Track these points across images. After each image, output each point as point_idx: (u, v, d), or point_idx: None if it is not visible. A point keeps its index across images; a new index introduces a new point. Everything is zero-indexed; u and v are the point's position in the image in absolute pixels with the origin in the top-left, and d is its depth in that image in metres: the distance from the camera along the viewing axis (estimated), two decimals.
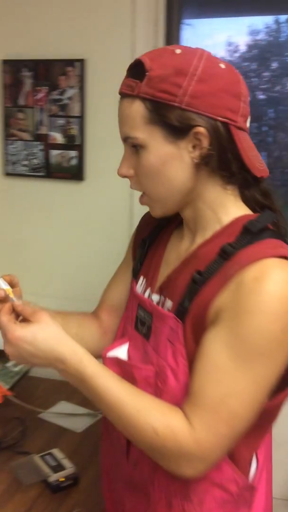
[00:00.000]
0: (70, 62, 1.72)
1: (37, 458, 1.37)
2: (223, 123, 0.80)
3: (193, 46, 0.85)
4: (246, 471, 0.84)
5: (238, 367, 0.72)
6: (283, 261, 0.74)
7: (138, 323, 0.92)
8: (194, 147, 0.81)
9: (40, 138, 1.83)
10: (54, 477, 1.28)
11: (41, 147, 1.83)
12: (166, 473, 0.80)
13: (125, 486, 0.95)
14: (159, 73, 0.79)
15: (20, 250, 1.97)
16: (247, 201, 0.87)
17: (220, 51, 1.84)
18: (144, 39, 1.69)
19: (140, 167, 0.84)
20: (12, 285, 0.88)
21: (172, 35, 1.76)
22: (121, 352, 0.94)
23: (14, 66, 1.81)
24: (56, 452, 1.39)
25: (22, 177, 1.88)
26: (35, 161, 1.85)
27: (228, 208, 0.85)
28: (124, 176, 0.87)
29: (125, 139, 0.85)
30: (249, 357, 0.72)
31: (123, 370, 0.88)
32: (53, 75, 1.77)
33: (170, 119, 0.79)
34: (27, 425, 1.55)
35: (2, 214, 1.97)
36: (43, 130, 1.82)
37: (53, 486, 1.27)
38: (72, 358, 0.77)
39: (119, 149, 0.89)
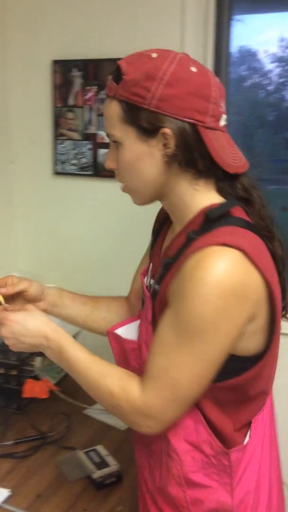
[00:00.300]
0: (117, 60, 1.72)
1: (81, 454, 1.38)
2: (190, 124, 0.87)
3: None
4: (233, 443, 0.91)
5: (179, 343, 0.82)
6: (223, 248, 0.80)
7: (142, 304, 1.05)
8: (164, 145, 0.88)
9: (89, 137, 1.85)
10: (98, 473, 1.29)
11: (90, 146, 1.85)
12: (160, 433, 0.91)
13: (139, 446, 1.07)
14: (132, 77, 0.88)
15: (68, 247, 2.00)
16: (223, 193, 0.92)
17: (272, 47, 1.80)
18: (194, 36, 1.67)
19: (118, 161, 0.94)
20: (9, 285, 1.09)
21: (222, 31, 1.73)
22: (125, 329, 1.07)
23: (64, 66, 1.84)
24: (100, 448, 1.41)
25: (71, 176, 1.91)
26: (84, 160, 1.87)
27: (198, 199, 0.92)
28: (110, 169, 0.97)
29: (107, 135, 0.95)
30: (187, 335, 0.81)
31: (119, 343, 1.04)
32: (102, 74, 1.78)
33: (141, 120, 0.88)
34: (72, 420, 1.57)
35: (51, 212, 2.00)
36: (92, 130, 1.84)
37: (97, 483, 1.28)
38: (53, 334, 0.96)
39: None
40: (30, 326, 0.97)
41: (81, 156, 1.88)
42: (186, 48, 1.65)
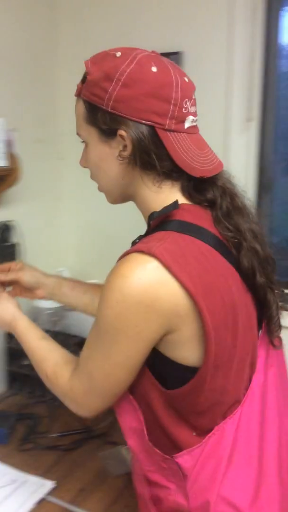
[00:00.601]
0: (166, 55, 1.70)
1: (124, 450, 1.39)
2: (148, 126, 0.85)
3: None
4: (182, 447, 0.89)
5: (95, 340, 0.87)
6: (137, 256, 0.80)
7: None
8: (123, 147, 0.88)
9: None
10: None
11: None
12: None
13: None
14: (93, 77, 0.88)
15: (115, 244, 1.99)
16: (191, 196, 0.91)
17: None
18: (242, 27, 1.63)
19: (87, 161, 0.96)
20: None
21: (271, 22, 1.68)
22: None
23: None
24: None
25: None
26: None
27: (161, 201, 0.89)
28: (83, 167, 0.99)
29: (77, 135, 0.96)
30: (99, 334, 0.85)
31: None
32: None
33: (99, 122, 0.88)
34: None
35: (99, 209, 2.01)
36: None
37: None
38: (12, 321, 1.07)
39: None
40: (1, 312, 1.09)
41: None
42: (234, 41, 1.62)
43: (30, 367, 1.06)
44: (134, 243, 0.88)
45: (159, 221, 0.87)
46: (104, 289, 0.82)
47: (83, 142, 0.95)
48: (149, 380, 0.87)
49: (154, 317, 0.79)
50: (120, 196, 0.97)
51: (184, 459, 0.88)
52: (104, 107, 0.87)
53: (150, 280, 0.78)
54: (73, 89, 1.97)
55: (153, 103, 0.85)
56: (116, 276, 0.80)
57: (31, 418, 1.60)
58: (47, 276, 1.24)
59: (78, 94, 0.93)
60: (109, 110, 0.86)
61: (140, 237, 0.88)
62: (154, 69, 0.86)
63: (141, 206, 0.95)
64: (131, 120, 0.85)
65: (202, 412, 0.87)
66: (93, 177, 0.98)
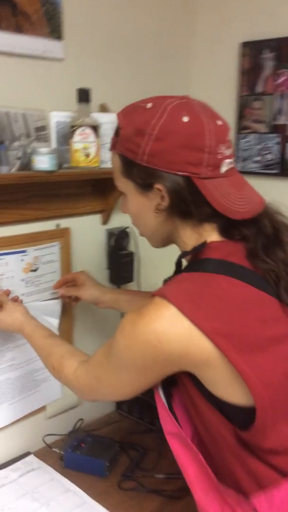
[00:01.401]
0: None
1: None
2: (184, 177, 0.85)
3: None
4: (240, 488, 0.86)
5: (108, 354, 0.89)
6: (155, 298, 0.81)
7: None
8: (162, 198, 0.88)
9: (277, 129, 1.58)
10: None
11: (277, 140, 1.58)
12: None
13: None
14: (126, 132, 0.89)
15: None
16: (227, 234, 0.90)
17: None
18: None
19: (127, 210, 0.98)
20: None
21: None
22: None
23: (255, 48, 1.59)
24: None
25: (253, 175, 1.65)
26: (269, 156, 1.60)
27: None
28: (124, 212, 1.01)
29: (116, 185, 0.98)
30: (112, 352, 0.87)
31: None
32: None
33: (135, 176, 0.90)
34: None
35: None
36: (281, 120, 1.56)
37: None
38: (20, 326, 1.17)
39: None
40: (7, 322, 1.19)
41: (266, 152, 1.61)
42: None
43: None
44: (164, 282, 0.93)
45: (188, 262, 0.93)
46: (124, 318, 0.84)
47: (121, 194, 0.97)
48: (217, 417, 0.84)
49: (162, 356, 0.80)
50: (161, 242, 0.99)
51: (259, 501, 0.83)
52: (138, 161, 0.87)
53: (161, 322, 0.79)
54: (207, 81, 1.75)
55: (187, 154, 0.84)
56: (136, 311, 0.82)
57: (136, 449, 1.43)
58: (105, 293, 1.35)
59: (113, 148, 0.94)
60: (144, 164, 0.87)
61: (170, 278, 0.92)
62: (185, 119, 0.84)
63: (183, 249, 0.94)
64: (166, 172, 0.85)
65: (277, 452, 0.83)
66: (134, 223, 1.00)
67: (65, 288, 1.37)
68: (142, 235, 1.01)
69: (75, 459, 1.35)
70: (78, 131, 1.26)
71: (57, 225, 1.40)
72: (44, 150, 1.17)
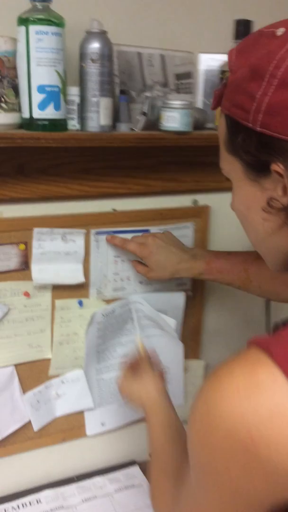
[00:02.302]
0: None
1: None
2: None
3: None
4: None
5: (194, 476, 0.57)
6: (250, 350, 0.48)
7: None
8: (284, 189, 0.53)
9: None
10: None
11: None
12: None
13: None
14: (236, 77, 0.55)
15: None
16: None
17: None
18: None
19: (233, 207, 0.64)
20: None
21: None
22: None
23: None
24: None
25: None
26: None
27: None
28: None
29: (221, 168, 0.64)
30: (195, 470, 0.55)
31: None
32: None
33: (241, 149, 0.55)
34: None
35: None
36: None
37: None
38: (145, 405, 0.87)
39: None
40: (133, 397, 0.91)
41: None
42: None
43: None
44: (276, 327, 0.57)
45: None
46: (198, 390, 0.52)
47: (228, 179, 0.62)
48: None
49: (254, 464, 0.46)
50: (277, 261, 0.62)
51: None
52: (249, 124, 0.52)
53: (257, 402, 0.45)
54: None
55: None
56: (215, 375, 0.50)
57: None
58: (182, 260, 1.00)
59: (216, 104, 0.60)
60: (257, 129, 0.52)
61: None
62: None
63: None
64: None
65: None
66: (243, 228, 0.64)
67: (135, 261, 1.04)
68: (254, 248, 0.66)
69: None
70: None
71: (194, 202, 1.12)
72: (175, 103, 0.88)
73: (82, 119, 0.86)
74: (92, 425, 1.15)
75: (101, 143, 0.85)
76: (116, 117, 0.90)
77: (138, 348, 0.97)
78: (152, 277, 1.02)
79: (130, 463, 1.23)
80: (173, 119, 0.89)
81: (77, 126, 0.87)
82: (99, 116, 0.85)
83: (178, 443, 0.79)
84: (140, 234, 1.05)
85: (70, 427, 1.13)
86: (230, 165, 0.59)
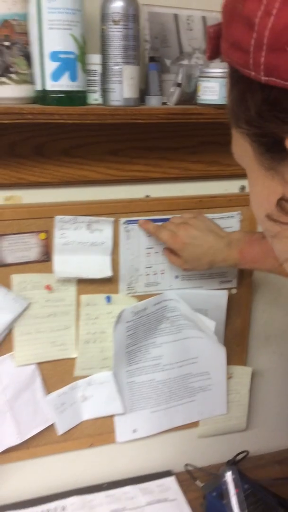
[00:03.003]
0: None
1: None
2: None
3: None
4: None
5: None
6: None
7: None
8: None
9: None
10: None
11: None
12: None
13: None
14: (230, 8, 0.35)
15: None
16: None
17: None
18: None
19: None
20: None
21: None
22: None
23: None
24: None
25: None
26: None
27: None
28: None
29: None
30: None
31: None
32: None
33: (245, 116, 0.36)
34: None
35: None
36: None
37: None
38: None
39: None
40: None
41: None
42: None
43: None
44: None
45: None
46: None
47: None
48: None
49: None
50: None
51: None
52: (251, 73, 0.33)
53: None
54: None
55: None
56: None
57: None
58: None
59: (212, 52, 0.39)
60: (261, 78, 0.32)
61: None
62: None
63: None
64: None
65: None
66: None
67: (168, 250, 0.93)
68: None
69: (220, 510, 1.00)
70: None
71: (241, 188, 0.98)
72: (215, 71, 0.75)
73: (104, 91, 0.75)
74: (122, 431, 1.05)
75: (125, 118, 0.73)
76: (145, 89, 0.79)
77: None
78: (188, 269, 0.91)
79: (166, 474, 1.13)
80: (212, 91, 0.76)
81: (99, 100, 0.77)
82: (122, 88, 0.73)
83: None
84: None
85: (98, 432, 1.04)
86: (240, 148, 0.40)
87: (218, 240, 0.86)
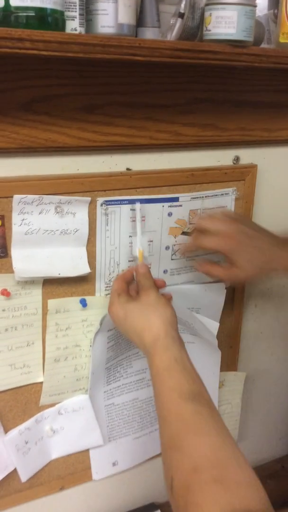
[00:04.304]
0: None
1: None
2: None
3: None
4: None
5: None
6: None
7: None
8: None
9: None
10: None
11: None
12: None
13: None
14: None
15: None
16: None
17: None
18: None
19: None
20: None
21: None
22: None
23: None
24: None
25: None
26: None
27: None
28: None
29: None
30: None
31: None
32: None
33: None
34: None
35: None
36: None
37: None
38: (150, 347, 0.63)
39: None
40: (128, 328, 0.66)
41: None
42: None
43: None
44: None
45: None
46: None
47: None
48: None
49: None
50: None
51: None
52: None
53: None
54: None
55: None
56: None
57: None
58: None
59: None
60: None
61: None
62: None
63: None
64: None
65: None
66: None
67: (206, 263, 0.76)
68: None
69: None
70: None
71: (236, 159, 0.81)
72: None
73: (88, 15, 0.54)
74: (100, 466, 0.85)
75: (121, 51, 0.53)
76: (138, 20, 0.59)
77: (136, 258, 0.73)
78: (241, 279, 0.76)
79: (150, 507, 0.94)
80: (229, 22, 0.57)
81: (79, 30, 0.55)
82: (116, 8, 0.53)
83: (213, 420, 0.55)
84: (161, 204, 0.74)
85: (70, 471, 0.83)
86: None
87: (272, 239, 0.71)
